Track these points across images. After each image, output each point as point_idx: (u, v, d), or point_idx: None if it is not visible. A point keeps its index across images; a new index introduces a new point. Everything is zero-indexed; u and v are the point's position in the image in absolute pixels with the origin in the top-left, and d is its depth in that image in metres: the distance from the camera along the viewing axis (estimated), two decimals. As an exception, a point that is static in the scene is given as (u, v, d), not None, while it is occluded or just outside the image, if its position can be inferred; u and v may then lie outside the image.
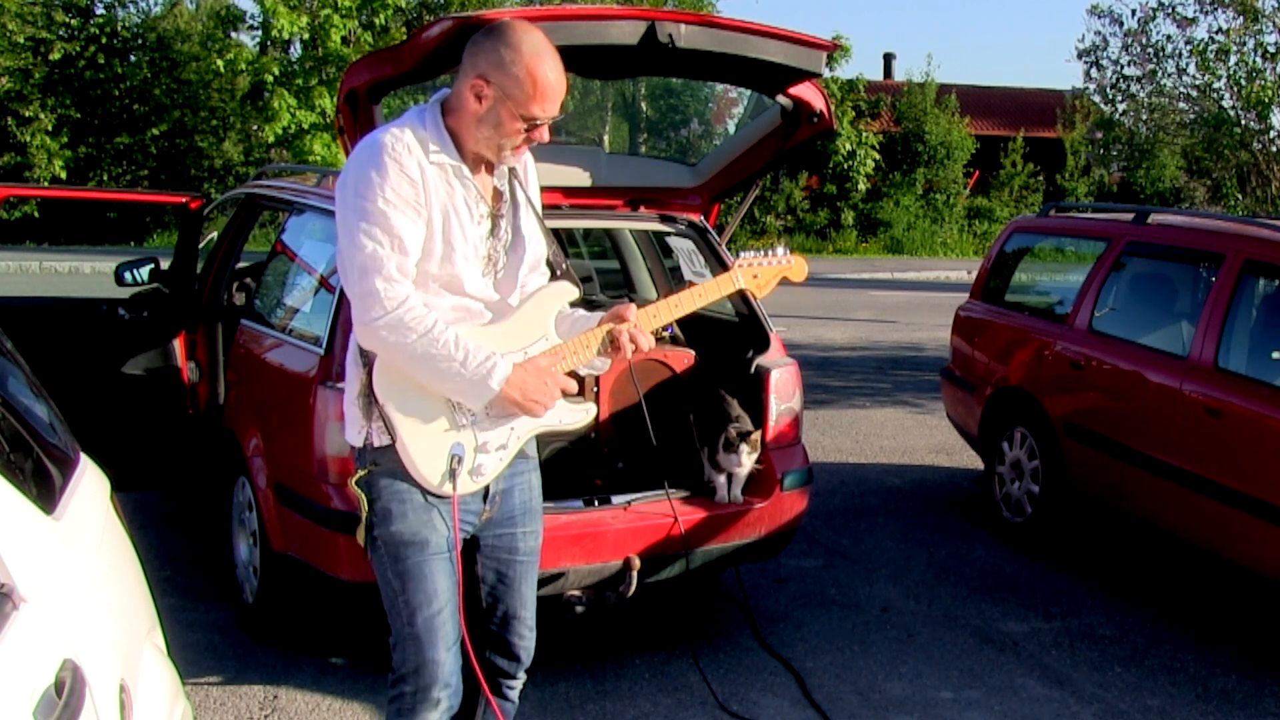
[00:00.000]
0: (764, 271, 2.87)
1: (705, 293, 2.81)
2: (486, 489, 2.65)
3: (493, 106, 2.45)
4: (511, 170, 2.67)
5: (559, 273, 2.75)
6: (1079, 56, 23.67)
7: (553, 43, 2.50)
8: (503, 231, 2.62)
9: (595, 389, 4.26)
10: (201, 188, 21.49)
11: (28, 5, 21.46)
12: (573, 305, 2.71)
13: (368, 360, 2.52)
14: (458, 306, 2.55)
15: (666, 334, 4.57)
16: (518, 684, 2.88)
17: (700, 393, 4.39)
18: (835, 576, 5.24)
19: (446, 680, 2.60)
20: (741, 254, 2.91)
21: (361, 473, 2.58)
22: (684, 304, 2.78)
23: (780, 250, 2.90)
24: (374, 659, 4.09)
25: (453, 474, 2.51)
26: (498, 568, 2.75)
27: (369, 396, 2.52)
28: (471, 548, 2.72)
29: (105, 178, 22.40)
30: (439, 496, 2.54)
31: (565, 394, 2.59)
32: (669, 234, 4.95)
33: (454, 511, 2.54)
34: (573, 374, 2.62)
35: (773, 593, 5.01)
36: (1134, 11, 22.86)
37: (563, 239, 6.76)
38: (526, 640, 2.82)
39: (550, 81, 2.45)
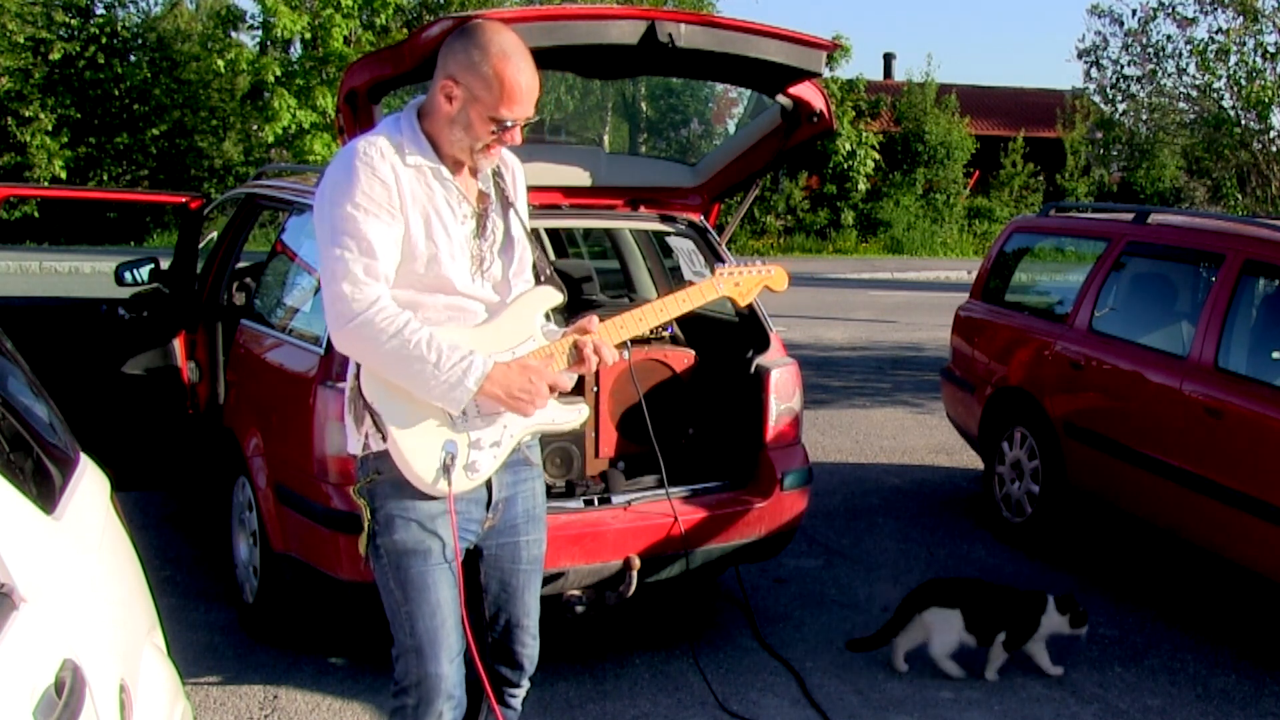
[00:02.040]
0: (745, 280, 2.87)
1: (689, 298, 2.79)
2: (489, 497, 2.64)
3: (462, 108, 2.44)
4: (497, 175, 2.65)
5: (543, 278, 2.74)
6: (1079, 56, 23.68)
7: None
8: (489, 232, 2.60)
9: (595, 388, 4.26)
10: (201, 188, 21.50)
11: (28, 5, 21.47)
12: (558, 310, 2.71)
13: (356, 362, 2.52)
14: (451, 306, 2.53)
15: (666, 333, 4.57)
16: (521, 692, 2.87)
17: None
18: (835, 576, 5.24)
19: (450, 693, 2.59)
20: (719, 264, 2.91)
21: (363, 481, 2.56)
22: (656, 313, 2.75)
23: (759, 261, 2.91)
24: (374, 659, 4.09)
25: (446, 471, 2.49)
26: (501, 576, 2.74)
27: (358, 399, 2.51)
28: (474, 557, 2.71)
29: (105, 178, 22.41)
30: (436, 498, 2.52)
31: (557, 390, 2.56)
32: (669, 234, 4.95)
33: (450, 508, 2.52)
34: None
35: (773, 593, 5.01)
36: (1134, 11, 22.86)
37: (562, 239, 6.80)
38: (530, 649, 2.82)
39: (519, 83, 2.42)
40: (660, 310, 2.75)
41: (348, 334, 2.41)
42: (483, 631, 2.75)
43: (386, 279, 2.44)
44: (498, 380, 2.45)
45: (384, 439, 2.49)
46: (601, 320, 2.67)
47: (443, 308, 2.52)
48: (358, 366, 2.52)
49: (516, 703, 2.87)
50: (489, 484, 2.62)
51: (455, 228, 2.52)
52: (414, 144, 2.48)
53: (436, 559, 2.55)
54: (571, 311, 4.30)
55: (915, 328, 13.91)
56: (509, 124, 2.46)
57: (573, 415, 2.72)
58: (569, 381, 2.59)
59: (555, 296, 2.68)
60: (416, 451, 2.48)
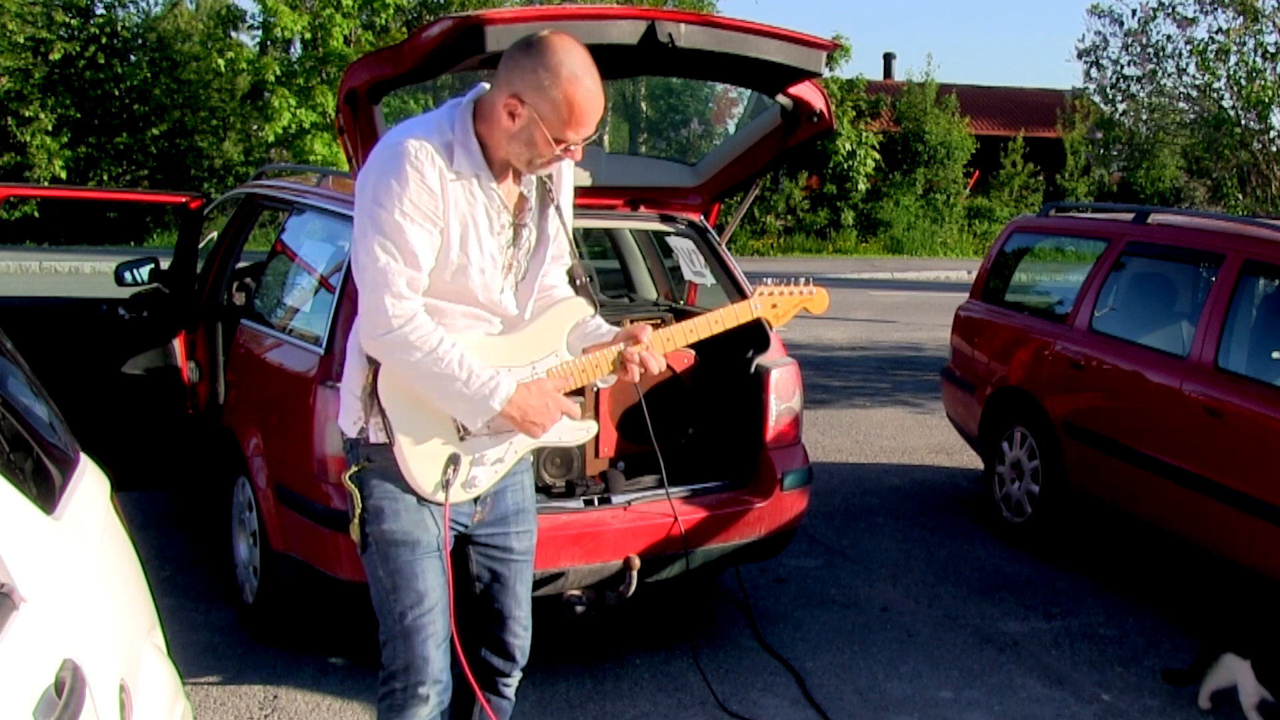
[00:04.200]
0: (783, 301, 2.84)
1: (722, 320, 2.78)
2: None
3: (525, 126, 2.41)
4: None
5: (577, 285, 2.73)
6: (1079, 56, 23.71)
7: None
8: (524, 240, 2.60)
9: (596, 389, 4.26)
10: (201, 188, 21.49)
11: (28, 5, 21.45)
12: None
13: (375, 359, 2.52)
14: (469, 314, 2.54)
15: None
16: (514, 682, 2.89)
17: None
18: (835, 576, 5.24)
19: (436, 677, 2.61)
20: (762, 282, 2.86)
21: (355, 468, 2.58)
22: (699, 330, 2.75)
23: (803, 280, 2.86)
24: (374, 659, 4.06)
25: (446, 484, 2.52)
26: (492, 566, 2.75)
27: (372, 396, 2.52)
28: (465, 545, 2.72)
29: (105, 178, 22.39)
30: (431, 500, 2.55)
31: (567, 415, 2.59)
32: (669, 234, 4.95)
33: (445, 519, 2.54)
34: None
35: (773, 593, 5.01)
36: (1134, 11, 22.89)
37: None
38: (521, 639, 2.83)
39: (587, 107, 2.41)
40: (691, 331, 2.74)
41: (380, 344, 2.43)
42: (472, 624, 2.76)
43: (423, 289, 2.45)
44: (516, 402, 2.48)
45: (387, 436, 2.50)
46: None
47: (461, 315, 2.53)
48: (376, 365, 2.52)
49: (509, 691, 2.89)
50: None
51: (489, 240, 2.51)
52: (464, 147, 2.46)
53: (424, 549, 2.57)
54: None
55: (915, 328, 13.91)
56: (572, 145, 2.45)
57: (580, 433, 2.74)
58: (577, 409, 2.61)
59: (585, 309, 2.68)
60: (420, 460, 2.50)
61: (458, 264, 2.48)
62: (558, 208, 2.66)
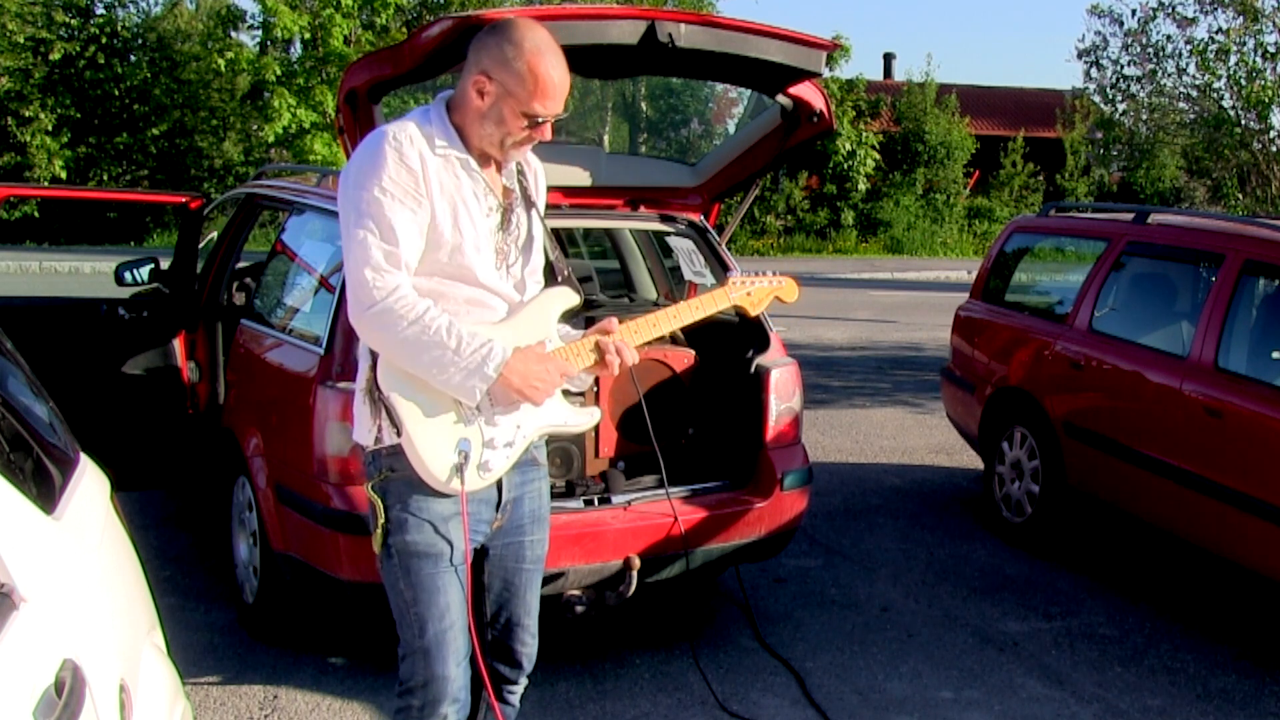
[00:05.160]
0: (757, 290, 2.91)
1: (702, 306, 2.81)
2: (499, 497, 2.64)
3: (494, 103, 2.45)
4: (521, 174, 2.66)
5: (560, 279, 2.74)
6: (1079, 56, 23.74)
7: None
8: (514, 227, 2.61)
9: (595, 388, 4.26)
10: (201, 188, 21.48)
11: (28, 5, 21.45)
12: (564, 317, 2.72)
13: (373, 354, 2.52)
14: (471, 299, 2.53)
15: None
16: (519, 689, 2.88)
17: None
18: (835, 576, 5.24)
19: (455, 695, 2.60)
20: (732, 273, 2.92)
21: (377, 478, 2.56)
22: (682, 315, 2.77)
23: (770, 272, 2.93)
24: (374, 659, 4.10)
25: (460, 469, 2.49)
26: (504, 575, 2.75)
27: (374, 391, 2.52)
28: (479, 556, 2.71)
29: (105, 178, 22.39)
30: (449, 497, 2.52)
31: (567, 379, 2.58)
32: (669, 234, 4.95)
33: (463, 507, 2.52)
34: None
35: (773, 593, 5.01)
36: (1134, 11, 22.92)
37: (562, 239, 6.79)
38: (529, 647, 2.82)
39: (552, 79, 2.44)
40: (673, 317, 2.77)
41: (367, 320, 2.41)
42: (484, 629, 2.76)
43: (408, 267, 2.44)
44: (516, 368, 2.46)
45: (398, 433, 2.49)
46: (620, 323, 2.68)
47: (463, 300, 2.52)
48: (373, 358, 2.52)
49: (515, 699, 2.88)
50: (499, 485, 2.63)
51: (481, 219, 2.52)
52: (443, 135, 2.49)
53: (447, 562, 2.56)
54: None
55: (915, 328, 13.91)
56: (540, 120, 2.47)
57: (585, 418, 2.74)
58: (575, 369, 2.60)
59: (573, 298, 2.68)
60: (431, 448, 2.48)
61: (453, 242, 2.48)
62: (537, 210, 2.68)
